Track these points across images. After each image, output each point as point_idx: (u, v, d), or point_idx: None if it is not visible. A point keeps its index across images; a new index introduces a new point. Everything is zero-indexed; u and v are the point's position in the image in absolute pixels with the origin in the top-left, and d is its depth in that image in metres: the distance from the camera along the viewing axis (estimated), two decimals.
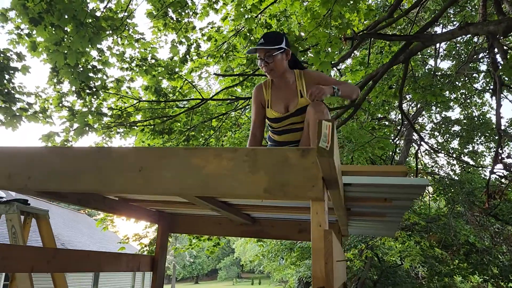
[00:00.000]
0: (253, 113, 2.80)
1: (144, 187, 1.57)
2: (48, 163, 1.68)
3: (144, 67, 6.29)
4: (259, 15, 6.60)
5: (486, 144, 14.05)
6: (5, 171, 1.69)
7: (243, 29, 6.82)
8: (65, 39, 4.39)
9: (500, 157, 6.17)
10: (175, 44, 6.47)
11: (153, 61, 6.43)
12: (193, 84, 7.35)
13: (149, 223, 8.98)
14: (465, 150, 14.10)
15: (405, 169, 1.69)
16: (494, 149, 12.32)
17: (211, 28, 7.28)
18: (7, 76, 4.40)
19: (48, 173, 1.66)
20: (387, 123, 12.80)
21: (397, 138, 10.70)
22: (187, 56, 6.78)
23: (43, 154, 1.71)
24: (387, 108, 10.10)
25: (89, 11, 4.36)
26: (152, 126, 6.48)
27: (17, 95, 4.69)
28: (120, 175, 1.59)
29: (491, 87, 11.40)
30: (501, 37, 4.79)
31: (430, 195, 13.82)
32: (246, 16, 6.07)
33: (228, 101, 6.95)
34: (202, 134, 7.53)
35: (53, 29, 4.32)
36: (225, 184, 1.49)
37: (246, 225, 3.82)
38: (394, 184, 1.98)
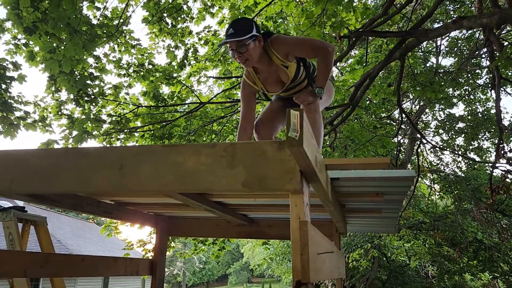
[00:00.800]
0: (243, 107, 2.76)
1: (123, 185, 1.57)
2: (29, 165, 1.68)
3: (142, 73, 6.33)
4: (255, 17, 6.61)
5: (491, 140, 13.92)
6: None
7: None
8: (59, 47, 4.42)
9: (502, 152, 6.11)
10: (171, 49, 6.50)
11: (150, 66, 6.46)
12: (192, 88, 7.37)
13: (153, 228, 8.99)
14: (470, 147, 13.97)
15: (387, 161, 1.67)
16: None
17: (208, 32, 7.30)
18: (3, 86, 4.45)
19: (29, 175, 1.66)
20: (389, 121, 12.74)
21: (400, 136, 10.64)
22: (185, 61, 6.80)
23: (24, 156, 1.72)
24: (387, 106, 10.05)
25: (82, 18, 4.39)
26: (152, 132, 6.50)
27: (15, 104, 4.74)
28: (99, 174, 1.59)
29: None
30: (496, 30, 4.76)
31: (437, 193, 13.70)
32: None
33: (227, 104, 6.97)
34: (204, 139, 7.55)
35: (48, 37, 4.36)
36: (203, 179, 1.49)
37: (244, 225, 3.81)
38: (381, 177, 1.97)
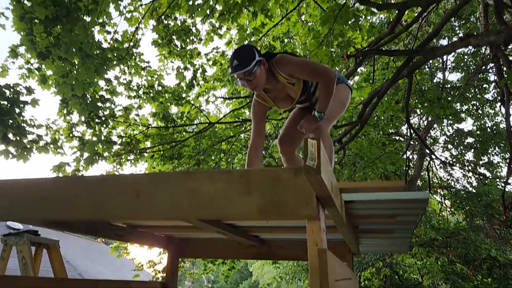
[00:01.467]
0: (254, 125, 2.80)
1: (140, 212, 1.59)
2: (46, 193, 1.71)
3: (151, 94, 6.41)
4: (263, 38, 6.70)
5: (501, 154, 13.79)
6: (6, 203, 1.73)
7: None
8: (72, 71, 4.51)
9: None
10: (180, 70, 6.60)
11: (160, 88, 6.55)
12: (200, 108, 7.44)
13: (158, 248, 8.96)
14: (480, 162, 13.84)
15: (402, 184, 1.67)
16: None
17: (216, 53, 7.41)
18: (17, 110, 4.54)
19: (46, 202, 1.68)
20: (397, 137, 12.69)
21: (409, 153, 10.58)
22: (194, 81, 6.89)
23: (42, 184, 1.75)
24: (396, 123, 10.04)
25: (94, 42, 4.48)
26: (162, 152, 6.54)
27: (28, 128, 4.82)
28: (116, 201, 1.61)
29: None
30: (503, 47, 4.77)
31: (448, 209, 13.53)
32: (247, 41, 6.17)
33: (235, 123, 7.01)
34: (213, 158, 7.57)
35: (61, 62, 4.45)
36: (219, 205, 1.50)
37: (255, 247, 3.78)
38: (396, 199, 1.96)
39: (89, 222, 2.62)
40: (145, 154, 6.54)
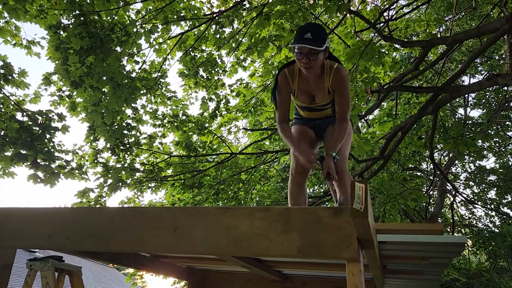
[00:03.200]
0: (280, 102, 2.68)
1: (177, 247, 1.59)
2: (85, 223, 1.73)
3: (176, 123, 6.52)
4: None
5: None
6: (45, 232, 1.76)
7: (270, 84, 7.03)
8: (102, 100, 4.65)
9: None
10: (205, 100, 6.72)
11: (184, 117, 6.67)
12: (222, 138, 7.51)
13: (178, 279, 8.86)
14: (504, 201, 13.47)
15: (441, 227, 1.64)
16: None
17: (240, 84, 7.54)
18: (48, 136, 4.66)
19: (85, 233, 1.71)
20: (419, 173, 12.50)
21: (430, 189, 10.39)
22: (217, 112, 6.99)
23: (80, 215, 1.77)
24: (418, 158, 9.92)
25: (125, 73, 4.63)
26: (183, 181, 6.58)
27: (56, 153, 4.94)
28: (154, 235, 1.62)
29: None
30: None
31: (470, 249, 13.10)
32: (273, 72, 6.27)
33: (257, 154, 7.04)
34: (231, 187, 7.57)
35: (92, 90, 4.59)
36: (258, 244, 1.49)
37: (277, 282, 3.73)
38: (432, 242, 1.92)
39: (116, 251, 2.63)
40: (166, 182, 6.58)
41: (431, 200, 12.33)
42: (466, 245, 12.75)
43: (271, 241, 1.50)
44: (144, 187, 6.66)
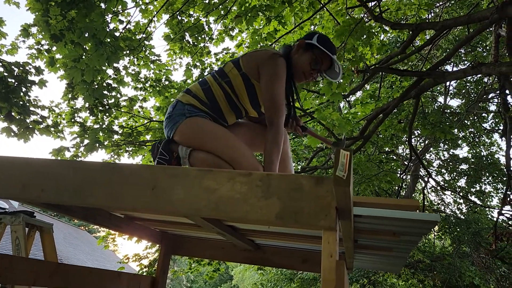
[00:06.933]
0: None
1: (155, 206, 1.57)
2: (61, 176, 1.69)
3: (158, 88, 6.39)
4: (274, 44, 6.72)
5: (493, 184, 13.92)
6: (19, 182, 1.71)
7: None
8: (83, 56, 4.49)
9: (508, 199, 6.10)
10: (190, 67, 6.59)
11: (167, 82, 6.53)
12: None
13: (150, 243, 8.90)
14: (472, 190, 13.96)
15: (417, 203, 1.67)
16: (502, 190, 12.20)
17: (226, 53, 7.41)
18: (24, 89, 4.50)
19: (60, 186, 1.66)
20: (394, 157, 12.76)
21: (404, 173, 10.64)
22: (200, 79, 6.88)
23: (56, 167, 1.73)
24: (395, 142, 10.09)
25: (108, 30, 4.47)
26: None
27: (31, 108, 4.78)
28: (132, 192, 1.59)
29: (501, 127, 11.40)
30: None
31: (435, 233, 13.59)
32: (260, 44, 6.18)
33: None
34: None
35: (73, 46, 4.43)
36: (237, 208, 1.49)
37: (249, 251, 3.77)
38: (406, 218, 1.96)
39: (90, 209, 2.59)
40: (145, 147, 6.50)
41: (403, 185, 12.65)
42: (433, 229, 13.23)
43: (250, 206, 1.49)
44: (122, 151, 6.57)
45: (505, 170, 6.38)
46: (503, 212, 6.25)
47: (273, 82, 2.07)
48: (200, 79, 2.41)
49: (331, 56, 2.12)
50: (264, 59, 2.11)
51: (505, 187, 6.13)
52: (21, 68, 4.46)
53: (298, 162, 11.36)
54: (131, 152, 6.55)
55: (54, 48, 4.94)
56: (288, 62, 2.17)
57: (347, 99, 9.39)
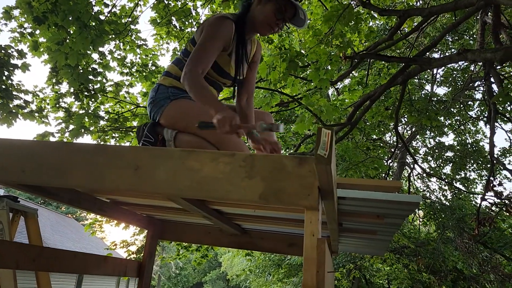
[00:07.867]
0: (214, 51, 2.03)
1: (137, 186, 1.56)
2: (42, 157, 1.67)
3: (144, 73, 6.32)
4: None
5: (478, 171, 14.18)
6: None
7: None
8: (67, 40, 4.40)
9: (491, 185, 6.21)
10: (176, 52, 6.51)
11: (153, 68, 6.46)
12: None
13: (138, 230, 8.89)
14: (457, 176, 14.19)
15: (399, 184, 1.69)
16: (486, 177, 12.42)
17: None
18: (6, 73, 4.40)
19: (41, 167, 1.64)
20: (381, 144, 12.87)
21: (390, 160, 10.75)
22: None
23: (37, 148, 1.70)
24: (382, 129, 10.17)
25: (93, 13, 4.39)
26: None
27: (14, 92, 4.69)
28: (114, 172, 1.58)
29: (486, 115, 11.56)
30: (498, 65, 4.88)
31: (420, 219, 13.83)
32: None
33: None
34: None
35: (56, 29, 4.34)
36: (220, 187, 1.49)
37: (236, 235, 3.79)
38: (388, 200, 1.99)
39: (73, 192, 2.57)
40: (131, 133, 6.45)
41: (390, 171, 12.80)
42: (418, 215, 13.44)
43: (233, 186, 1.49)
44: (108, 137, 6.50)
45: (489, 157, 6.49)
46: (486, 197, 6.37)
47: (204, 37, 1.99)
48: (174, 60, 2.36)
49: (294, 3, 2.04)
50: (207, 23, 2.05)
51: (488, 174, 6.24)
52: (3, 51, 4.36)
53: (287, 149, 11.40)
54: (117, 138, 6.48)
55: (37, 32, 4.84)
56: (242, 24, 2.11)
57: (335, 86, 9.40)
